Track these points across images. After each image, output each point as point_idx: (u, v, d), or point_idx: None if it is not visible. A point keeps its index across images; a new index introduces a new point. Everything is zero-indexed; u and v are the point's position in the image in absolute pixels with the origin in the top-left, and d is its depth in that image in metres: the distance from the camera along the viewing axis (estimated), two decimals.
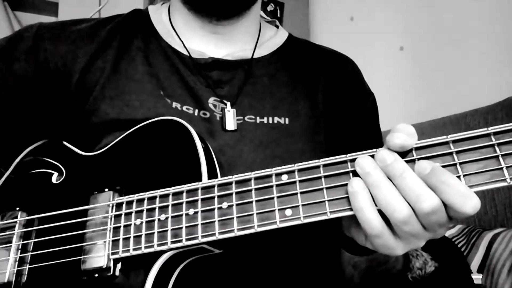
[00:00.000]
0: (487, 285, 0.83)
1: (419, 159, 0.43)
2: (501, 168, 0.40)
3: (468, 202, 0.39)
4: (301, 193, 0.46)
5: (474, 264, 0.88)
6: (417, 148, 0.44)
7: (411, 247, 0.45)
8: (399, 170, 0.42)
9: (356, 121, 0.73)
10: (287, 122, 0.67)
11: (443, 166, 0.42)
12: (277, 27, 0.80)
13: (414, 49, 1.80)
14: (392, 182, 0.43)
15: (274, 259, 0.60)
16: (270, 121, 0.66)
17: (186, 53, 0.67)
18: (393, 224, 0.42)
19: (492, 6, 1.50)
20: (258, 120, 0.65)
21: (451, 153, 0.42)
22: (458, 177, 0.41)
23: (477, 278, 0.84)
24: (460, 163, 0.42)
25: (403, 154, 0.44)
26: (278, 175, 0.48)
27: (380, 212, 0.43)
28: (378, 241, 0.44)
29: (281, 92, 0.69)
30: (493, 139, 0.42)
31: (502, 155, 0.41)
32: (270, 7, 2.01)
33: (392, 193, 0.42)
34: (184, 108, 0.64)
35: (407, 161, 0.43)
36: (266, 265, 0.60)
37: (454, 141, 0.43)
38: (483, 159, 0.41)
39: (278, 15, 2.04)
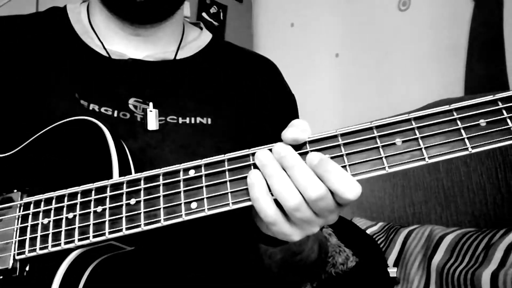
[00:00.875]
0: (400, 277, 0.89)
1: (311, 151, 0.47)
2: (381, 158, 0.45)
3: (350, 189, 0.43)
4: (206, 186, 0.48)
5: (391, 258, 0.94)
6: (310, 142, 0.48)
7: (306, 232, 0.48)
8: (291, 162, 0.45)
9: (279, 121, 0.76)
10: (209, 122, 0.68)
11: (332, 157, 0.46)
12: (201, 29, 0.82)
13: (348, 56, 1.89)
14: (286, 173, 0.46)
15: (190, 255, 0.61)
16: (193, 121, 0.67)
17: (105, 54, 0.67)
18: (287, 212, 0.45)
19: (421, 17, 1.62)
20: (181, 120, 0.66)
21: (339, 145, 0.46)
22: (344, 167, 0.45)
23: (392, 271, 0.89)
24: (346, 154, 0.46)
25: (298, 147, 0.47)
26: (186, 170, 0.50)
27: (278, 202, 0.46)
28: (274, 228, 0.46)
29: (204, 93, 0.70)
30: (375, 132, 0.46)
31: (382, 146, 0.45)
32: (213, 9, 2.03)
33: (285, 183, 0.45)
34: (103, 109, 0.64)
35: (300, 153, 0.47)
36: (183, 261, 0.61)
37: (342, 134, 0.47)
38: (366, 150, 0.46)
39: (221, 18, 2.06)
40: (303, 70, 2.06)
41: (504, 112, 0.43)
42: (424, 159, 0.44)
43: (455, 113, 0.44)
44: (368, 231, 1.06)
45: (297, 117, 0.81)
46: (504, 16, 1.41)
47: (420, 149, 0.44)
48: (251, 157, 0.48)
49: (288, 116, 0.79)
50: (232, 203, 0.47)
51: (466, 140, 0.43)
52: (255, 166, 0.48)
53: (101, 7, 0.69)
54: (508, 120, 0.43)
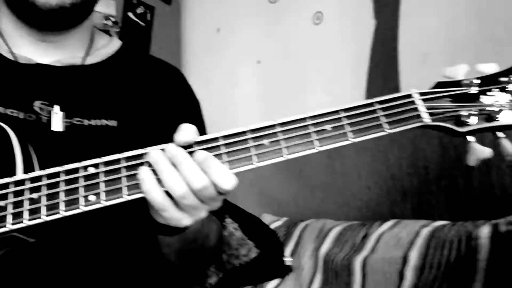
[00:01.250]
0: (295, 265, 1.00)
1: (198, 150, 0.55)
2: (250, 156, 0.55)
3: (227, 182, 0.53)
4: (104, 181, 0.55)
5: (289, 249, 1.06)
6: (198, 142, 0.56)
7: (195, 217, 0.57)
8: (180, 159, 0.54)
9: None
10: (115, 125, 0.73)
11: (215, 155, 0.55)
12: (111, 35, 0.87)
13: (269, 64, 2.00)
14: (177, 169, 0.54)
15: (93, 246, 0.67)
16: (99, 124, 0.71)
17: (12, 58, 0.70)
18: (176, 200, 0.54)
19: (332, 32, 1.78)
20: (86, 122, 0.70)
21: (219, 146, 0.56)
22: (224, 163, 0.55)
23: (288, 260, 1.01)
24: (226, 153, 0.55)
25: (187, 146, 0.56)
26: (86, 167, 0.56)
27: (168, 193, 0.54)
28: (165, 214, 0.54)
29: (111, 97, 0.75)
30: (249, 135, 0.56)
31: (255, 146, 0.55)
32: (139, 10, 1.99)
33: (174, 176, 0.53)
34: (8, 111, 0.67)
35: (190, 152, 0.55)
36: (85, 251, 0.66)
37: (224, 137, 0.56)
38: (242, 149, 0.55)
39: (148, 19, 2.04)
40: (228, 74, 2.15)
41: (344, 120, 0.56)
42: (282, 155, 0.55)
43: (308, 120, 0.56)
44: (273, 225, 1.18)
45: (201, 121, 0.90)
46: (398, 35, 1.60)
47: (281, 148, 0.55)
48: (145, 156, 0.56)
49: (191, 121, 0.87)
50: (126, 195, 0.54)
51: (316, 142, 0.55)
52: (150, 164, 0.55)
53: (9, 12, 0.71)
54: (347, 126, 0.56)
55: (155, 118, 0.79)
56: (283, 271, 1.00)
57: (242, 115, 2.06)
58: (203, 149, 0.56)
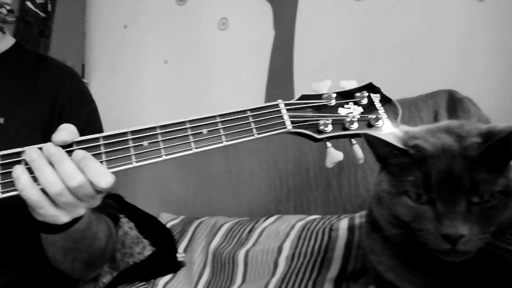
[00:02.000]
0: (187, 261, 1.05)
1: (77, 149, 0.58)
2: (130, 155, 0.58)
3: (103, 180, 0.56)
4: None
5: (183, 245, 1.10)
6: (78, 142, 0.59)
7: (73, 214, 0.59)
8: (58, 157, 0.56)
9: (78, 125, 0.85)
10: (2, 122, 0.73)
11: (93, 154, 0.58)
12: (4, 33, 0.85)
13: (176, 64, 2.02)
14: (54, 167, 0.56)
15: None
16: None
17: None
18: (52, 197, 0.56)
19: (237, 38, 1.85)
20: None
21: (99, 145, 0.59)
22: (102, 162, 0.58)
23: (180, 256, 1.06)
24: (105, 152, 0.58)
25: (67, 146, 0.58)
26: None
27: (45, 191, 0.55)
28: (42, 211, 0.56)
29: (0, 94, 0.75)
30: (129, 136, 0.60)
31: (133, 146, 0.59)
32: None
33: (49, 174, 0.55)
34: None
35: (69, 151, 0.57)
36: None
37: (105, 137, 0.59)
38: (121, 149, 0.59)
39: (49, 9, 1.93)
40: (135, 73, 2.13)
41: (219, 124, 0.62)
42: (161, 156, 0.59)
43: (188, 124, 0.61)
44: (170, 224, 1.21)
45: (96, 122, 0.91)
46: (294, 47, 1.73)
47: (159, 149, 0.59)
48: (22, 154, 0.57)
49: (88, 123, 0.87)
50: (0, 192, 0.55)
51: (192, 143, 0.60)
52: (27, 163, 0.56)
53: None
54: (222, 130, 0.62)
55: (44, 118, 0.79)
56: (176, 266, 1.04)
57: (148, 114, 2.05)
58: (82, 148, 0.58)
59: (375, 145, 0.57)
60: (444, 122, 0.57)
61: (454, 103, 0.99)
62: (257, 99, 1.78)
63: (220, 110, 0.66)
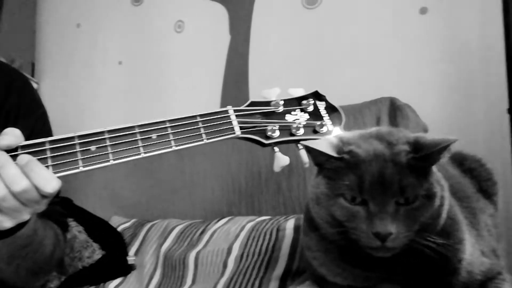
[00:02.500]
0: (138, 264, 1.06)
1: (23, 153, 0.57)
2: (76, 160, 0.59)
3: (48, 185, 0.56)
4: None
5: (134, 248, 1.10)
6: (23, 146, 0.58)
7: (17, 220, 0.58)
8: (1, 162, 0.55)
9: (28, 129, 0.83)
10: None
11: (39, 159, 0.57)
12: None
13: (130, 66, 2.00)
14: None
15: None
16: None
17: None
18: None
19: (192, 41, 1.85)
20: None
21: (45, 150, 0.58)
22: (48, 166, 0.57)
23: (131, 259, 1.06)
24: (52, 157, 0.58)
25: (12, 150, 0.57)
26: None
27: None
28: None
29: None
30: (76, 139, 0.60)
31: (80, 151, 0.59)
32: None
33: None
34: None
35: (14, 156, 0.57)
36: None
37: (51, 141, 0.59)
38: (66, 154, 0.59)
39: None
40: (88, 73, 2.08)
41: (169, 129, 0.64)
42: (108, 161, 0.60)
43: (136, 129, 0.62)
44: (122, 227, 1.20)
45: (45, 128, 0.89)
46: (250, 50, 1.76)
47: (107, 154, 0.60)
48: None
49: (32, 127, 0.86)
50: None
51: (141, 148, 0.62)
52: None
53: None
54: (171, 135, 0.64)
55: (6, 123, 0.76)
56: (126, 269, 1.04)
57: (101, 116, 2.01)
58: (28, 152, 0.58)
59: (313, 154, 0.61)
60: (374, 129, 0.62)
61: (395, 110, 1.05)
62: (213, 102, 1.79)
63: (174, 113, 0.67)
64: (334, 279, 0.60)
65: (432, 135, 1.11)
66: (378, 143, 0.56)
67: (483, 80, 1.26)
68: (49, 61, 2.15)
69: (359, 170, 0.54)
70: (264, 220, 0.97)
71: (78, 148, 0.59)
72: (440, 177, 0.56)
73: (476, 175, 0.73)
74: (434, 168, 0.56)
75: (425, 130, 1.08)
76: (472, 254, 0.57)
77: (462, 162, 0.74)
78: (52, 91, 2.17)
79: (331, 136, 0.67)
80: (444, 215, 0.55)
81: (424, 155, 0.53)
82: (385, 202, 0.52)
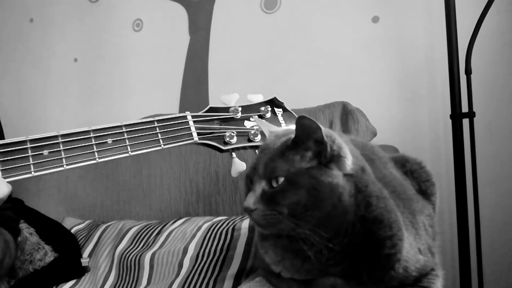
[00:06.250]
0: (92, 265, 1.04)
1: None
2: (29, 164, 0.58)
3: None
4: None
5: (88, 250, 1.08)
6: None
7: None
8: None
9: None
10: None
11: None
12: None
13: (86, 63, 1.95)
14: None
15: None
16: None
17: None
18: None
19: (152, 39, 1.83)
20: None
21: None
22: None
23: (85, 261, 1.04)
24: (2, 162, 0.57)
25: None
26: None
27: None
28: None
29: None
30: (28, 143, 0.59)
31: (31, 156, 0.59)
32: None
33: None
34: None
35: None
36: None
37: (1, 145, 0.58)
38: (18, 158, 0.58)
39: None
40: (41, 69, 2.01)
41: (125, 134, 0.64)
42: (62, 166, 0.60)
43: (92, 133, 0.62)
44: (75, 228, 1.18)
45: None
46: (209, 51, 1.77)
47: (61, 158, 0.60)
48: None
49: None
50: None
51: (96, 153, 0.62)
52: None
53: None
54: (128, 140, 0.64)
55: None
56: (80, 271, 1.02)
57: (54, 115, 1.95)
58: None
59: None
60: (283, 128, 0.67)
61: (347, 114, 1.10)
62: (171, 103, 1.79)
63: (130, 113, 0.68)
64: (277, 269, 0.62)
65: (381, 138, 1.18)
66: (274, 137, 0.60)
67: (428, 87, 1.34)
68: (1, 57, 2.07)
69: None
70: (220, 220, 0.99)
71: (30, 153, 0.59)
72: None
73: (416, 176, 0.77)
74: (336, 171, 0.56)
75: (374, 133, 1.13)
76: (409, 252, 0.61)
77: (404, 164, 0.78)
78: (5, 88, 2.08)
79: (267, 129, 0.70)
80: (338, 212, 0.54)
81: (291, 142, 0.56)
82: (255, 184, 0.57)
